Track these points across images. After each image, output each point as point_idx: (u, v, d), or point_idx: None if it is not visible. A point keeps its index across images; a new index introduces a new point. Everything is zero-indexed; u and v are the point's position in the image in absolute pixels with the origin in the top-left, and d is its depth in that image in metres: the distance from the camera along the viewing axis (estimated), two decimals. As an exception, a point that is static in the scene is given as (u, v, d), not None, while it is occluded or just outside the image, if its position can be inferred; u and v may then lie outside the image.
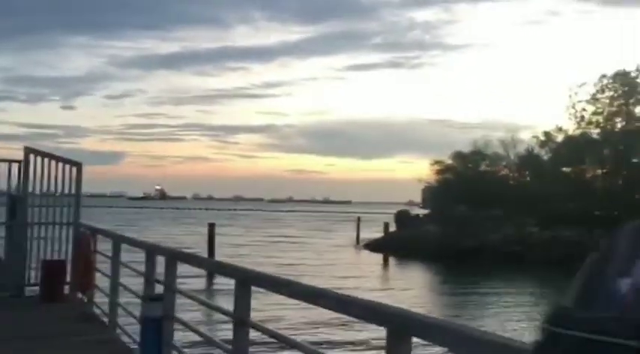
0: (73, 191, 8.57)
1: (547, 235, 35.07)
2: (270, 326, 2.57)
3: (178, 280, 4.27)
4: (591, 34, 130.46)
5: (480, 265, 30.34)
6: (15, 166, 8.52)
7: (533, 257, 32.48)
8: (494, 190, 39.02)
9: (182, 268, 4.50)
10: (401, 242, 36.98)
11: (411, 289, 22.05)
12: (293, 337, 2.65)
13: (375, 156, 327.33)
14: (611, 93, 41.80)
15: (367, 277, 25.03)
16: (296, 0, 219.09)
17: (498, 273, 27.78)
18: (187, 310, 5.38)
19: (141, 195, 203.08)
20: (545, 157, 43.48)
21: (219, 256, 26.25)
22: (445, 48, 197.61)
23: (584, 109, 42.09)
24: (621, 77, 41.33)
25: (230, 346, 2.72)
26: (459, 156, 44.28)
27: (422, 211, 44.67)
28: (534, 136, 43.61)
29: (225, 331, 9.66)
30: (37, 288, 8.09)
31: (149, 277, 4.39)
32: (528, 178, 43.98)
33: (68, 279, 8.04)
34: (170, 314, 3.81)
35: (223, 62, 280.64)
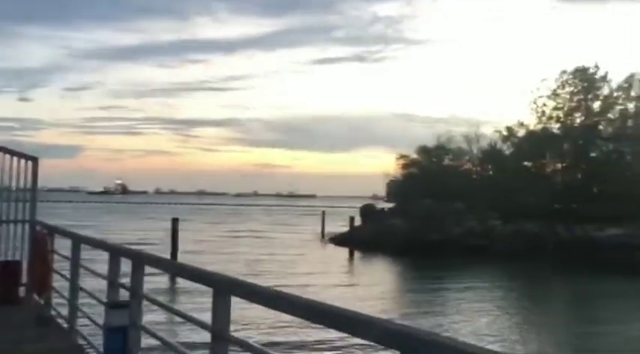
0: (29, 186, 8.08)
1: (510, 229, 35.63)
2: (253, 341, 2.29)
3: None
4: (553, 30, 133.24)
5: (445, 259, 30.59)
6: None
7: (497, 250, 32.97)
8: (457, 184, 39.45)
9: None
10: (366, 236, 37.04)
11: (377, 284, 21.99)
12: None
13: (339, 150, 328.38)
14: (571, 88, 42.66)
15: (333, 272, 24.90)
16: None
17: (463, 266, 28.06)
18: (151, 312, 5.01)
19: (100, 189, 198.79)
20: (508, 152, 44.15)
21: (183, 252, 25.75)
22: (408, 42, 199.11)
23: (544, 105, 42.88)
24: (581, 73, 42.21)
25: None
26: (423, 150, 44.63)
27: (386, 205, 44.84)
28: (497, 131, 44.30)
29: (197, 339, 9.36)
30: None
31: (113, 281, 4.03)
32: (491, 172, 44.61)
33: (24, 280, 7.58)
34: (137, 323, 3.49)
35: (185, 54, 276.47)
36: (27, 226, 7.99)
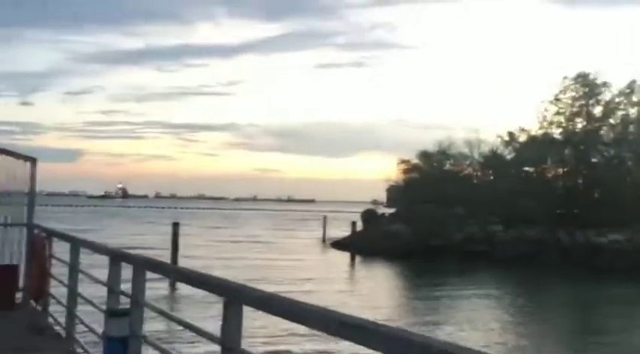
0: (27, 189, 7.83)
1: (511, 234, 35.44)
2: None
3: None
4: (553, 35, 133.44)
5: (447, 264, 30.39)
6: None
7: (499, 256, 32.75)
8: (458, 189, 39.26)
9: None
10: (368, 241, 36.82)
11: (379, 291, 21.77)
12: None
13: (338, 155, 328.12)
14: (573, 94, 42.55)
15: (335, 278, 24.65)
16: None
17: (465, 273, 27.78)
18: (153, 320, 4.79)
19: (101, 193, 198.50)
20: (509, 157, 43.99)
21: (183, 257, 25.51)
22: (406, 48, 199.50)
23: (546, 110, 42.76)
24: (582, 79, 42.09)
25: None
26: (424, 155, 44.47)
27: (386, 210, 44.67)
28: (498, 136, 44.11)
29: (203, 351, 9.03)
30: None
31: (113, 288, 3.82)
32: (492, 178, 44.43)
33: (21, 285, 7.35)
34: (138, 332, 3.28)
35: (185, 59, 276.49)
36: (24, 230, 7.77)
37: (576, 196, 38.35)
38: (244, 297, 2.18)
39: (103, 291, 4.17)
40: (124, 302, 3.67)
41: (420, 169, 44.21)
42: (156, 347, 3.19)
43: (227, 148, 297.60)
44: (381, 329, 1.56)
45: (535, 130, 42.99)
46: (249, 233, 49.56)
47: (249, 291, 2.19)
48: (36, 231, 7.61)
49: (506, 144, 44.03)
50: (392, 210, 43.67)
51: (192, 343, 9.75)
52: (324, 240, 42.82)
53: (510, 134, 43.71)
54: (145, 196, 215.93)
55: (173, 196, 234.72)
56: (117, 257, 3.79)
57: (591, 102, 42.14)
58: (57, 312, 6.27)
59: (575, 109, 42.48)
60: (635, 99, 41.61)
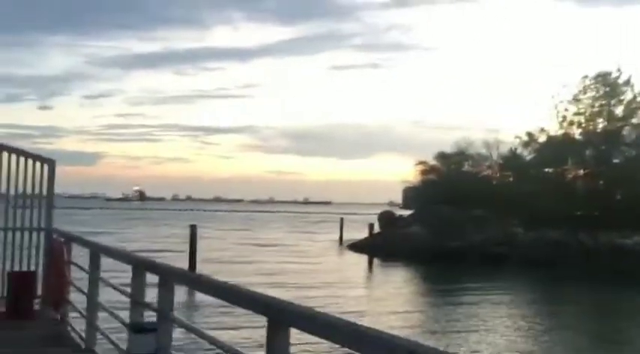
0: (45, 192, 7.61)
1: (532, 236, 34.89)
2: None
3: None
4: (572, 34, 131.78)
5: (467, 267, 29.92)
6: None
7: (520, 258, 32.21)
8: (477, 190, 38.79)
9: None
10: (386, 243, 36.51)
11: (399, 296, 21.37)
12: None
13: (354, 157, 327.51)
14: (593, 93, 41.83)
15: (354, 283, 24.26)
16: (275, 1, 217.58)
17: (487, 277, 27.16)
18: (181, 335, 4.47)
19: (119, 196, 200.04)
20: (528, 158, 43.38)
21: (201, 261, 25.37)
22: (423, 49, 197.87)
23: (566, 110, 42.09)
24: (603, 78, 41.37)
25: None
26: (442, 156, 44.04)
27: (403, 212, 44.27)
28: (517, 137, 43.50)
29: None
30: (1, 303, 7.09)
31: (137, 300, 3.58)
32: (511, 179, 43.85)
33: (39, 292, 7.16)
34: (166, 350, 3.02)
35: (203, 62, 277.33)
36: (42, 235, 7.57)
37: (597, 197, 37.67)
38: (292, 318, 1.92)
39: (125, 300, 3.96)
40: (148, 315, 3.44)
41: (438, 170, 43.78)
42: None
43: (243, 150, 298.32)
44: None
45: (555, 130, 42.39)
46: (266, 236, 49.42)
47: (298, 310, 1.92)
48: (54, 236, 7.42)
49: (526, 145, 43.42)
50: (408, 211, 43.29)
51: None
52: (340, 242, 42.55)
53: (529, 135, 43.10)
54: (162, 199, 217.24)
55: (190, 199, 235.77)
56: (141, 266, 3.55)
57: (612, 102, 41.41)
58: (77, 321, 6.07)
59: (595, 109, 41.78)
60: (657, 98, 40.82)
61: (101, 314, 5.38)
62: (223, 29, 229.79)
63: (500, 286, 24.28)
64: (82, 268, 5.82)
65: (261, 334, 2.27)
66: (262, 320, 2.07)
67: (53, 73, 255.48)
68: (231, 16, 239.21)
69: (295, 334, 1.97)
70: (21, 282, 6.99)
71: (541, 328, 16.26)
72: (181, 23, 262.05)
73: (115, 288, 4.27)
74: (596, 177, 40.81)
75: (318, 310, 1.92)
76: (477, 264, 30.78)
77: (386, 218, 42.10)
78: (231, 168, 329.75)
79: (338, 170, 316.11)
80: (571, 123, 42.22)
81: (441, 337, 14.33)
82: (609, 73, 41.21)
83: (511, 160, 43.42)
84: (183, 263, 22.28)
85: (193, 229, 26.01)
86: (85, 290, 5.44)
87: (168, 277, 2.98)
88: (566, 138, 41.52)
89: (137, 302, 3.48)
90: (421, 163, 44.63)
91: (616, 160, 40.64)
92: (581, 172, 41.98)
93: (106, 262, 5.15)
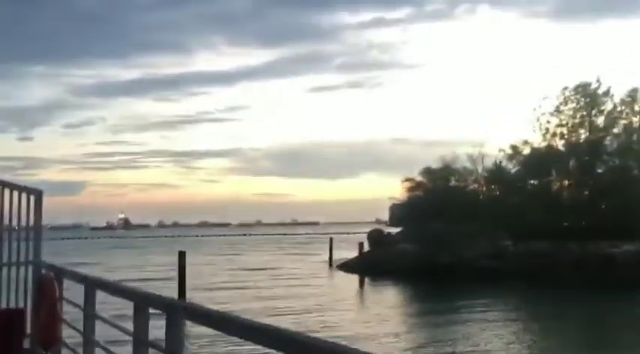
0: (32, 223, 7.34)
1: (521, 249, 34.94)
2: None
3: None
4: (551, 48, 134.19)
5: (460, 283, 29.76)
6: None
7: (511, 271, 32.16)
8: (465, 205, 38.87)
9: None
10: (376, 262, 36.34)
11: (393, 318, 21.07)
12: None
13: (339, 176, 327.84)
14: (574, 105, 42.37)
15: (347, 306, 23.82)
16: (256, 24, 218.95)
17: (480, 293, 26.82)
18: None
19: (104, 224, 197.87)
20: (513, 171, 43.63)
21: (190, 289, 24.95)
22: (404, 67, 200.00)
23: (548, 122, 42.54)
24: (583, 89, 41.95)
25: None
26: (428, 172, 44.12)
27: (390, 230, 44.09)
28: (501, 150, 43.80)
29: None
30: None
31: (140, 339, 3.38)
32: (497, 192, 44.03)
33: (28, 331, 6.88)
34: None
35: (185, 87, 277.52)
36: (30, 269, 7.28)
37: (582, 207, 37.94)
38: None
39: (125, 337, 3.78)
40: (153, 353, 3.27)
41: (424, 186, 43.84)
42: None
43: (229, 173, 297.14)
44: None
45: (538, 142, 42.76)
46: (255, 260, 49.01)
47: (321, 344, 1.75)
48: (44, 270, 7.17)
49: (510, 158, 43.71)
50: (395, 229, 43.18)
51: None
52: (330, 263, 42.28)
53: (514, 147, 43.43)
54: (148, 226, 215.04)
55: (176, 224, 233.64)
56: (143, 302, 3.37)
57: (593, 112, 41.96)
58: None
59: (577, 120, 42.28)
60: (637, 108, 41.44)
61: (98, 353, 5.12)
62: (205, 54, 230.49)
63: (495, 304, 23.84)
64: (75, 305, 5.60)
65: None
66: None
67: (33, 103, 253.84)
68: (212, 40, 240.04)
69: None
70: (8, 320, 6.70)
71: (543, 345, 16.07)
72: (162, 49, 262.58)
73: (114, 326, 4.06)
74: (581, 187, 41.14)
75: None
76: (468, 279, 30.66)
77: (375, 237, 41.98)
78: (218, 192, 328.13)
79: (325, 190, 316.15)
80: (554, 134, 42.66)
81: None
82: (589, 84, 41.83)
83: (496, 173, 43.64)
84: (172, 292, 21.89)
85: (182, 256, 25.64)
86: (79, 328, 5.20)
87: (177, 312, 2.81)
88: (550, 150, 41.89)
89: (142, 341, 3.29)
90: (408, 179, 44.71)
91: (599, 170, 41.02)
92: (566, 182, 42.30)
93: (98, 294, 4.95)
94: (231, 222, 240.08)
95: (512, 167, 43.78)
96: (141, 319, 3.36)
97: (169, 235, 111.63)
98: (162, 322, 2.88)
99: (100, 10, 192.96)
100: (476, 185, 45.14)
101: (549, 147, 42.22)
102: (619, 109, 41.57)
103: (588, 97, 41.72)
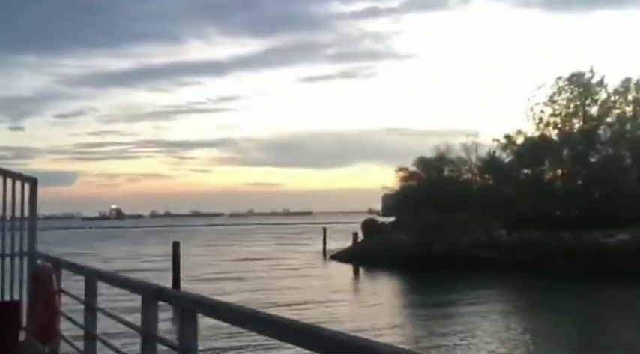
0: (27, 213, 7.11)
1: (515, 238, 35.01)
2: None
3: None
4: (545, 37, 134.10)
5: (454, 273, 29.79)
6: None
7: (505, 260, 32.23)
8: (459, 194, 38.90)
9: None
10: (370, 251, 36.33)
11: (390, 309, 21.01)
12: None
13: (332, 166, 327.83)
14: (568, 94, 42.35)
15: (343, 297, 23.69)
16: (247, 13, 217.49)
17: (475, 283, 26.80)
18: None
19: (96, 215, 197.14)
20: (507, 160, 43.66)
21: (185, 279, 24.80)
22: (397, 57, 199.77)
23: (542, 111, 42.53)
24: (576, 78, 41.92)
25: None
26: (422, 162, 44.09)
27: (383, 219, 44.09)
28: (495, 140, 43.78)
29: None
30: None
31: (151, 333, 3.20)
32: (491, 182, 44.08)
33: (24, 324, 6.53)
34: None
35: (177, 77, 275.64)
36: (25, 260, 7.06)
37: (576, 197, 38.05)
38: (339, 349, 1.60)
39: (131, 332, 3.63)
40: (161, 350, 3.10)
41: (418, 176, 43.82)
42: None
43: (221, 163, 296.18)
44: None
45: (532, 132, 42.77)
46: (248, 250, 48.90)
47: (349, 339, 1.58)
48: (40, 261, 6.97)
49: (504, 147, 43.71)
50: (388, 219, 43.18)
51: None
52: (324, 253, 42.25)
53: (507, 137, 43.40)
54: (140, 216, 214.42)
55: (168, 215, 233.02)
56: (151, 295, 3.19)
57: (587, 102, 41.98)
58: (71, 355, 5.64)
59: (570, 110, 42.29)
60: (630, 97, 41.50)
61: (100, 348, 4.91)
62: (197, 43, 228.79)
63: (492, 296, 23.63)
64: (75, 297, 5.41)
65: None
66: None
67: (24, 93, 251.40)
68: (204, 30, 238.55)
69: None
70: (4, 313, 6.51)
71: (539, 337, 16.04)
72: (155, 39, 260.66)
73: (120, 320, 3.88)
74: (574, 177, 41.23)
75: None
76: (462, 268, 30.69)
77: (369, 226, 41.96)
78: (210, 182, 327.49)
79: (317, 180, 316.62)
80: (547, 124, 42.65)
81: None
82: (582, 74, 41.80)
83: (490, 163, 43.67)
84: (166, 282, 21.74)
85: (176, 246, 25.47)
86: (79, 321, 5.00)
87: (190, 306, 2.64)
88: (543, 139, 41.90)
89: (150, 336, 3.12)
90: (401, 169, 44.65)
91: (593, 160, 41.11)
92: (559, 172, 42.39)
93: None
94: (223, 212, 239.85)
95: (506, 157, 43.82)
96: (149, 312, 3.20)
97: (162, 225, 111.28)
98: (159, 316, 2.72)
99: (91, 0, 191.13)
100: (470, 175, 45.17)
101: (543, 136, 42.25)
102: (612, 98, 41.61)
103: (582, 86, 41.71)
